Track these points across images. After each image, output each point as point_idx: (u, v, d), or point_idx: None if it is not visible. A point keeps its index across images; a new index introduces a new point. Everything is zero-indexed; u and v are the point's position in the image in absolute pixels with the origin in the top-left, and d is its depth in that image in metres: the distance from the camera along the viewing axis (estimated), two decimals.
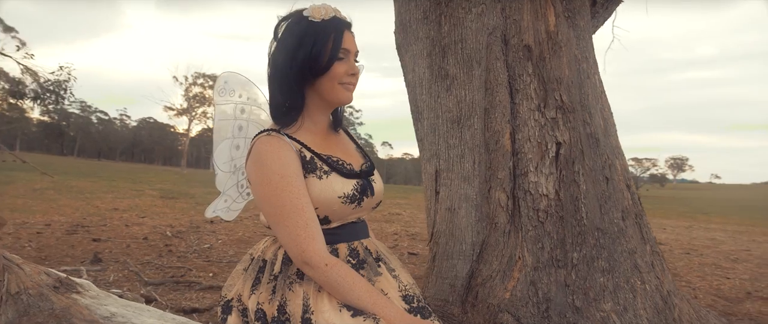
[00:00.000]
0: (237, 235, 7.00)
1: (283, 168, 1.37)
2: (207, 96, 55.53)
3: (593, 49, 2.55)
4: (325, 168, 1.44)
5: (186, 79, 53.68)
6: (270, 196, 1.36)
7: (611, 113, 2.53)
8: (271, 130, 1.43)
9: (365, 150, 1.71)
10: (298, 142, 1.45)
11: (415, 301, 1.52)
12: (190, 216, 9.19)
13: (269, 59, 1.44)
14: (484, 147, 2.31)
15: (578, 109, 2.35)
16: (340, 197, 1.43)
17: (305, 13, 1.39)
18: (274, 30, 1.43)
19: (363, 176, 1.51)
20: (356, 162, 1.55)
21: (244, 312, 1.44)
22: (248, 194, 1.73)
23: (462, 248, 2.23)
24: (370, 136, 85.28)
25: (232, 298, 1.51)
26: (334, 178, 1.44)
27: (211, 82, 55.08)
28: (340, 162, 1.50)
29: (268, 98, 1.53)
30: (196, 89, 54.46)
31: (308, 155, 1.43)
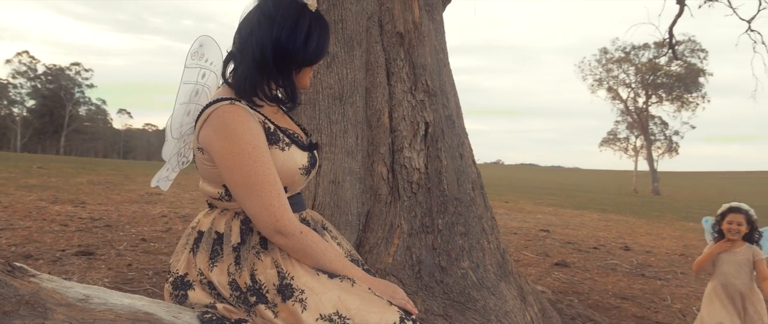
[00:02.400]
0: None
1: (255, 138, 1.48)
2: None
3: (446, 41, 3.07)
4: (286, 140, 1.60)
5: None
6: (241, 166, 1.46)
7: (458, 99, 3.10)
8: (233, 99, 1.52)
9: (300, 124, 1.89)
10: (260, 113, 1.57)
11: (359, 264, 1.79)
12: None
13: (255, 31, 1.51)
14: (366, 123, 2.63)
15: (438, 94, 2.83)
16: (299, 169, 1.61)
17: (305, 0, 1.53)
18: (259, 3, 1.51)
19: (312, 149, 1.71)
20: (301, 135, 1.73)
21: (210, 285, 1.51)
22: (184, 163, 1.74)
23: (348, 219, 2.53)
24: (103, 102, 75.49)
25: (187, 274, 1.55)
26: (294, 150, 1.61)
27: None
28: (296, 135, 1.67)
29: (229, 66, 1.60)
30: None
31: (272, 127, 1.57)
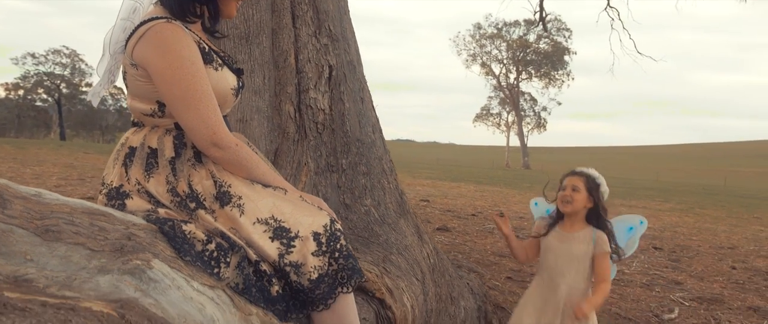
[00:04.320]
0: None
1: (192, 55, 1.67)
2: None
3: None
4: (219, 61, 1.79)
5: None
6: (180, 80, 1.64)
7: (358, 46, 3.38)
8: (168, 18, 1.68)
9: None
10: (195, 33, 1.75)
11: None
12: None
13: None
14: (273, 64, 2.83)
15: (340, 39, 3.10)
16: (231, 89, 1.82)
17: None
18: None
19: (240, 73, 1.91)
20: (229, 59, 1.93)
21: (148, 194, 1.67)
22: (112, 82, 1.85)
23: None
24: None
25: (122, 185, 1.70)
26: (226, 71, 1.81)
27: None
28: (227, 57, 1.87)
29: None
30: None
31: (206, 47, 1.76)
